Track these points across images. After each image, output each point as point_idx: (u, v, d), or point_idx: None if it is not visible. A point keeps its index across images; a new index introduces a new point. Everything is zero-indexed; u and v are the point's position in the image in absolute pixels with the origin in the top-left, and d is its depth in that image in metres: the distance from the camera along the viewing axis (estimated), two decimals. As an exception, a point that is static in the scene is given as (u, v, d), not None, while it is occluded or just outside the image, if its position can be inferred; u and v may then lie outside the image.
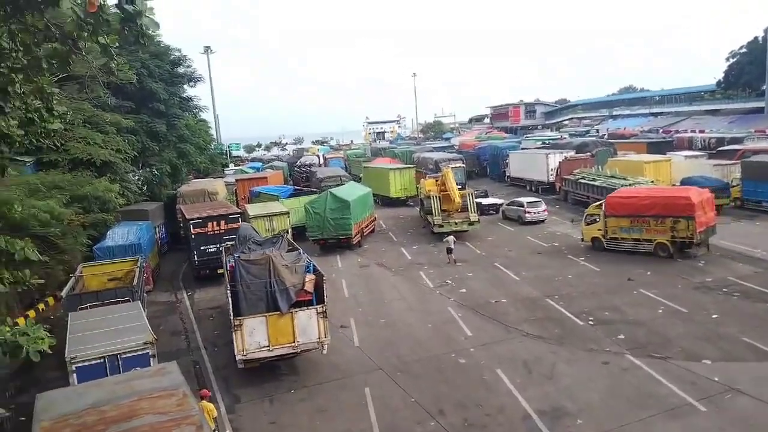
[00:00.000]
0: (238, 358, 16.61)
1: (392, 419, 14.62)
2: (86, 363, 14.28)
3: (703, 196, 27.11)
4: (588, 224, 30.16)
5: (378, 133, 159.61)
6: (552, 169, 48.64)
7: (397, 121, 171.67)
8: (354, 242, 34.09)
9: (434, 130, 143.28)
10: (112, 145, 33.11)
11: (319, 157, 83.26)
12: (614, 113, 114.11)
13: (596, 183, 39.31)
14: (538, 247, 31.80)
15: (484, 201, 42.60)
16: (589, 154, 50.56)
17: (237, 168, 72.76)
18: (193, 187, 41.49)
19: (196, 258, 28.95)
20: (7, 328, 6.09)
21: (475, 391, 15.67)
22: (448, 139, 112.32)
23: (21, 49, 6.16)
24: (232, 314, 16.66)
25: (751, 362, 16.20)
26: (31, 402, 8.80)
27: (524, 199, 39.67)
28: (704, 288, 22.62)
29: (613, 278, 24.73)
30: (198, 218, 29.07)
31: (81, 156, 30.67)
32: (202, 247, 28.69)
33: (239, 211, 32.30)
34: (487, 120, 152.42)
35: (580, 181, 41.91)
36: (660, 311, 20.52)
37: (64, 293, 20.89)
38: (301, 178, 61.91)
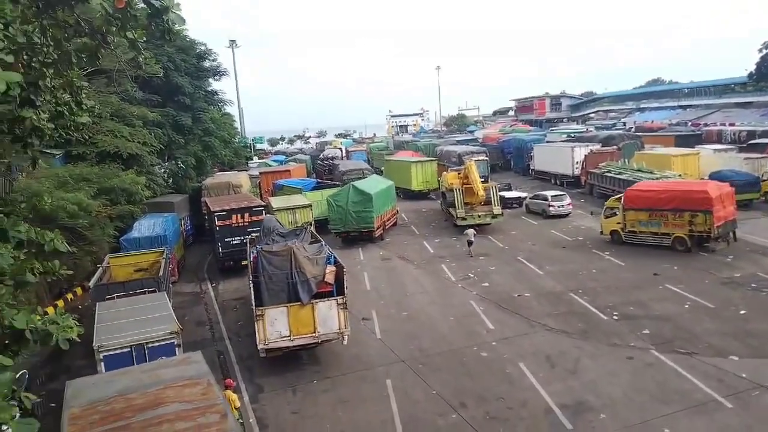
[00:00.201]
0: (260, 347, 16.87)
1: (414, 411, 14.67)
2: (114, 352, 14.63)
3: (723, 190, 26.71)
4: (607, 217, 29.97)
5: (401, 126, 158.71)
6: (577, 163, 48.01)
7: (420, 114, 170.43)
8: (376, 235, 34.17)
9: (458, 123, 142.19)
10: (139, 138, 33.65)
11: (341, 150, 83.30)
12: (641, 106, 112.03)
13: (622, 176, 38.64)
14: (562, 241, 31.51)
15: (508, 194, 42.22)
16: (615, 147, 49.85)
17: (261, 161, 73.15)
18: (218, 179, 41.88)
19: (220, 249, 29.29)
20: (38, 317, 6.25)
21: (497, 385, 15.64)
22: (471, 132, 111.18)
23: (52, 44, 6.31)
24: (254, 304, 16.91)
25: (780, 359, 15.87)
26: (61, 389, 9.05)
27: (548, 193, 39.31)
28: (732, 283, 22.21)
29: (639, 273, 24.42)
30: (222, 210, 29.43)
31: (108, 149, 31.26)
32: (226, 239, 29.05)
33: (263, 203, 32.57)
34: (511, 113, 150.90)
35: (606, 174, 41.25)
36: (686, 306, 20.21)
37: (91, 283, 21.39)
38: (323, 171, 62.05)
